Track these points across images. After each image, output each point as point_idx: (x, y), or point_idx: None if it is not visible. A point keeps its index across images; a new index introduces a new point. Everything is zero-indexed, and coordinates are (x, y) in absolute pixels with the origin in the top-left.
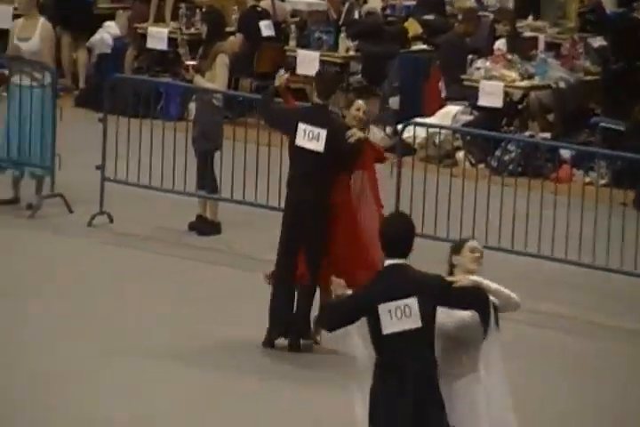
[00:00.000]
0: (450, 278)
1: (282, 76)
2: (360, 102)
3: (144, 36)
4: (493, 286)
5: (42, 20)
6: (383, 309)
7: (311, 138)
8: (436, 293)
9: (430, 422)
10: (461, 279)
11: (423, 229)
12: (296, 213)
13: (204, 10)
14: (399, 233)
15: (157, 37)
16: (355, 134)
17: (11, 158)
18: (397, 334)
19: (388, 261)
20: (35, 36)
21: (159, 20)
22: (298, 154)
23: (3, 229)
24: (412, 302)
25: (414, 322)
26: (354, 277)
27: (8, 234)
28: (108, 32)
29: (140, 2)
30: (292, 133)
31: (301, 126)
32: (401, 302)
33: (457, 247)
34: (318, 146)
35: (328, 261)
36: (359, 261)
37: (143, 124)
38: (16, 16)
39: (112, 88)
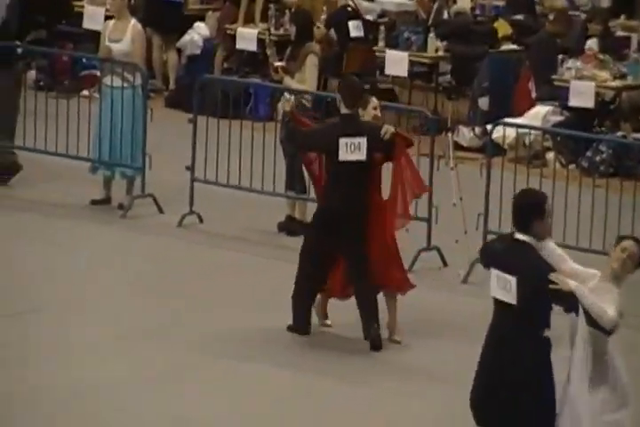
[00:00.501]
0: (554, 277)
1: (288, 101)
2: (375, 100)
3: (234, 37)
4: (589, 300)
5: (133, 21)
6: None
7: (353, 149)
8: (533, 281)
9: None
10: (564, 283)
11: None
12: (338, 224)
13: (292, 10)
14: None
15: (247, 38)
16: (388, 131)
17: (102, 159)
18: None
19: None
20: (126, 37)
21: (249, 21)
22: (341, 167)
23: (95, 228)
24: (512, 279)
25: (511, 298)
26: (387, 277)
27: (100, 234)
28: (198, 33)
29: (229, 3)
30: (334, 151)
31: (342, 141)
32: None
33: (616, 241)
34: (361, 155)
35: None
36: (391, 261)
37: (232, 124)
38: (108, 17)
39: (202, 89)
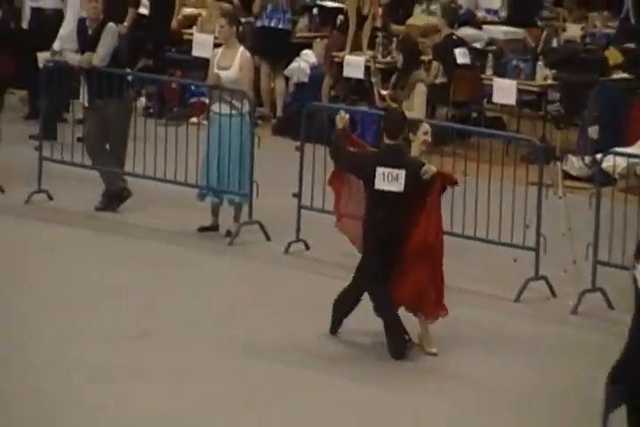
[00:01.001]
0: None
1: (342, 117)
2: (426, 126)
3: (341, 65)
4: None
5: (241, 49)
6: None
7: (391, 180)
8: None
9: None
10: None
11: (624, 261)
12: (382, 245)
13: (399, 38)
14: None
15: (354, 66)
16: (429, 170)
17: (210, 186)
18: None
19: None
20: (234, 65)
21: (356, 48)
22: (378, 196)
23: (202, 255)
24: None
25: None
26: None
27: (208, 261)
28: (306, 61)
29: (337, 31)
30: (371, 178)
31: (379, 170)
32: None
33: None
34: (399, 186)
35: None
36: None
37: None
38: (216, 45)
39: (309, 116)
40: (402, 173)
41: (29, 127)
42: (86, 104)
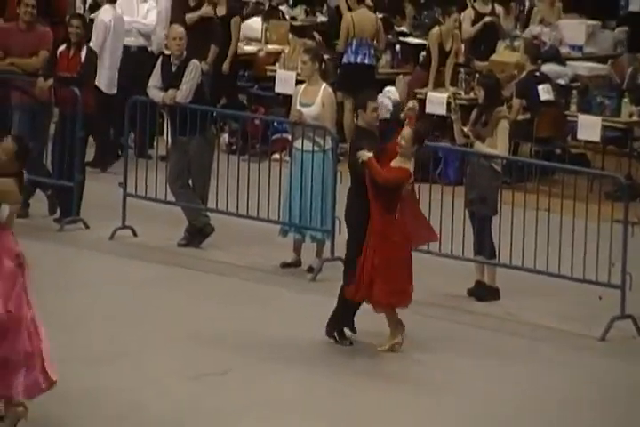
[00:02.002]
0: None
1: (364, 155)
2: (374, 104)
3: (423, 102)
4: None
5: (324, 85)
6: None
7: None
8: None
9: None
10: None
11: None
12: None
13: (481, 74)
14: None
15: (436, 102)
16: (361, 155)
17: (292, 222)
18: None
19: None
20: (317, 101)
21: (439, 85)
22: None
23: (285, 291)
24: None
25: None
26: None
27: (290, 297)
28: (389, 97)
29: (420, 67)
30: None
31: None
32: None
33: None
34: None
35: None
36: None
37: (422, 188)
38: (299, 82)
39: None
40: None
41: (115, 164)
42: (170, 140)
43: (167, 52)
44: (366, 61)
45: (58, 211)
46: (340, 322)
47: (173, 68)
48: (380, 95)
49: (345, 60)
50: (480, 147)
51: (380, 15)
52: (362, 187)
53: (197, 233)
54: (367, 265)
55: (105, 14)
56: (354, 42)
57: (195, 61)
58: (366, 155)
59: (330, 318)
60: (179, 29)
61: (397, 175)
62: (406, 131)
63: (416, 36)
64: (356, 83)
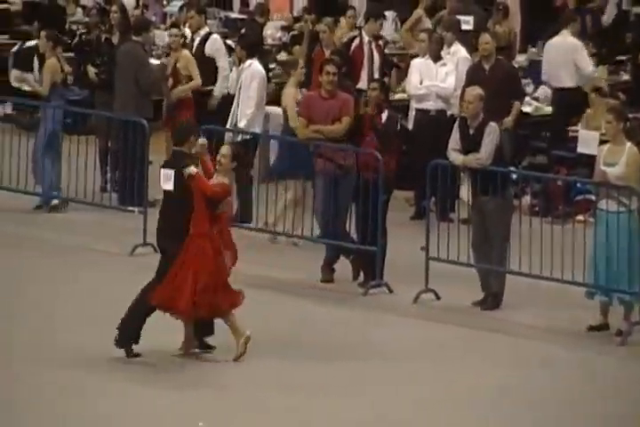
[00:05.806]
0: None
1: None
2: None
3: None
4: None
5: (628, 144)
6: None
7: (165, 180)
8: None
9: None
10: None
11: None
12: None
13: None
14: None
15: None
16: (186, 171)
17: (599, 284)
18: None
19: None
20: (621, 161)
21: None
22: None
23: (588, 355)
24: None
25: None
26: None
27: (594, 360)
28: None
29: None
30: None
31: (162, 172)
32: None
33: None
34: (170, 185)
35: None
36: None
37: None
38: (602, 142)
39: None
40: (172, 173)
41: (415, 227)
42: (469, 202)
43: (463, 115)
44: None
45: (361, 275)
46: None
47: (471, 131)
48: None
49: None
50: None
51: None
52: None
53: (495, 295)
54: None
55: None
56: None
57: (493, 124)
58: (191, 170)
59: None
60: (472, 92)
61: None
62: (224, 148)
63: None
64: None
